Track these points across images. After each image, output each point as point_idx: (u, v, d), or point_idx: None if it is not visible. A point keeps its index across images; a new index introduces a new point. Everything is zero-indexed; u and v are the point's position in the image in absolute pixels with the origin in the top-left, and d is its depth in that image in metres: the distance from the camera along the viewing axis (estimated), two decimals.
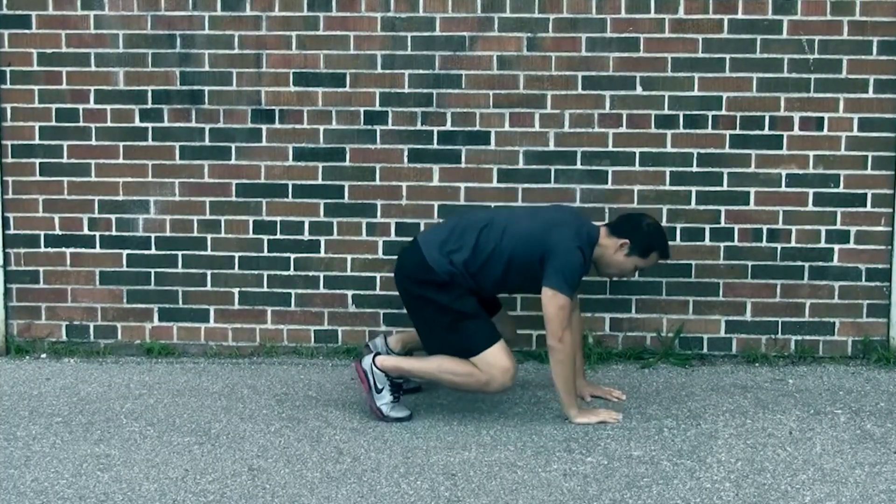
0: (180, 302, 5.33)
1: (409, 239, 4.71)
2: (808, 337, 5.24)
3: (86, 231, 5.30)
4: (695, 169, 5.15)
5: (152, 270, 5.31)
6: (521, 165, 5.16)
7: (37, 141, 5.25)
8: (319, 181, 5.23)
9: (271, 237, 5.27)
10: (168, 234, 5.29)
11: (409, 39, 5.13)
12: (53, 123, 5.24)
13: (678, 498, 3.71)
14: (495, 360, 4.30)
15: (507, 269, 4.34)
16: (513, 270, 4.34)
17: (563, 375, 4.30)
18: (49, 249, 5.32)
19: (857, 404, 4.64)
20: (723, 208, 5.17)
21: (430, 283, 4.32)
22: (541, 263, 4.27)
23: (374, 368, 4.42)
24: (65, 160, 5.26)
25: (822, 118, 5.10)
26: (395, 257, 4.61)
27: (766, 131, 5.11)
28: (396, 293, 4.55)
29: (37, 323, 5.37)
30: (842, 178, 5.13)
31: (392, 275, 4.60)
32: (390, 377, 4.42)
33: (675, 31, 5.08)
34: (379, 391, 4.42)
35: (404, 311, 4.57)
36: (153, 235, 5.29)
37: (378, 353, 4.55)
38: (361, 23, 5.14)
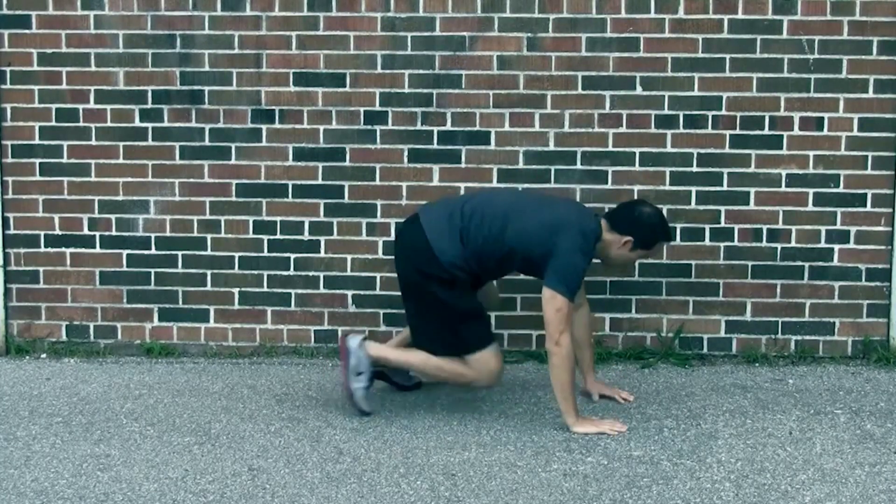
0: (180, 302, 5.33)
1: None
2: (808, 337, 5.24)
3: (86, 231, 5.30)
4: (695, 169, 5.15)
5: (152, 270, 5.31)
6: (521, 165, 5.16)
7: (37, 141, 5.25)
8: (319, 181, 5.23)
9: (271, 237, 5.27)
10: (168, 234, 5.29)
11: (409, 39, 5.13)
12: (53, 123, 5.24)
13: (678, 498, 3.71)
14: (487, 363, 4.35)
15: (506, 260, 4.35)
16: (513, 263, 4.37)
17: (560, 380, 4.24)
18: (49, 249, 5.31)
19: (857, 404, 4.64)
20: (723, 208, 5.17)
21: (434, 277, 4.29)
22: (542, 260, 4.25)
23: (361, 352, 4.41)
24: (65, 160, 5.26)
25: (822, 118, 5.10)
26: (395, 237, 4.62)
27: (766, 131, 5.11)
28: (397, 293, 4.54)
29: (37, 323, 5.37)
30: (842, 178, 5.13)
31: (394, 275, 4.60)
32: (375, 366, 4.45)
33: (675, 31, 5.08)
34: (358, 374, 4.42)
35: (404, 311, 4.55)
36: (153, 235, 5.29)
37: (367, 338, 4.52)
38: (361, 23, 5.14)
